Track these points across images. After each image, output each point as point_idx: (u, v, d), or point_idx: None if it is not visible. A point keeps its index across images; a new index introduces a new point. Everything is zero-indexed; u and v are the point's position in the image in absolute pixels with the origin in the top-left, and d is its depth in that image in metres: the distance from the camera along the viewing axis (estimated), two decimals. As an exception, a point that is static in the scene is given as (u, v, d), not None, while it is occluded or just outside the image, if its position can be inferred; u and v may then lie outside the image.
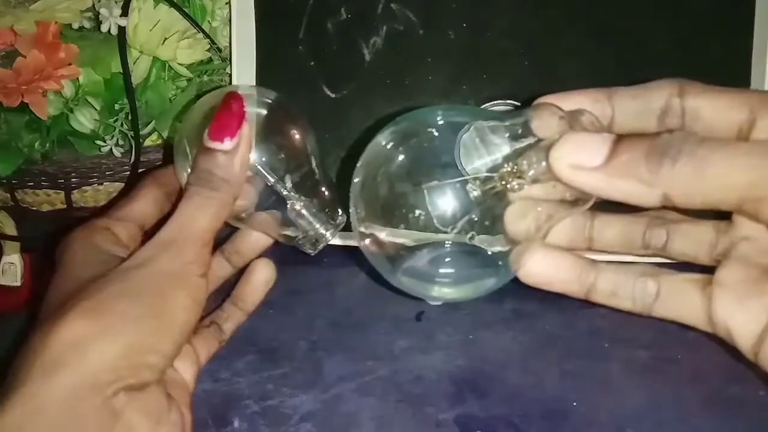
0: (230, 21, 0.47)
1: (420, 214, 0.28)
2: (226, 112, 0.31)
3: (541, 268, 0.29)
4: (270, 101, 0.35)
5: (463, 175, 0.28)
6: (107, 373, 0.26)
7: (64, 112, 0.48)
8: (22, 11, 0.47)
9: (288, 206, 0.34)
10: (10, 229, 0.52)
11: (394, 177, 0.29)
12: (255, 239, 0.37)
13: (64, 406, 0.25)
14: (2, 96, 0.46)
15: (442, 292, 0.30)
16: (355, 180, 0.30)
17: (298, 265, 0.41)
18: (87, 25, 0.48)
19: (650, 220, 0.29)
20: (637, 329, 0.41)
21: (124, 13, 0.46)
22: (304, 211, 0.34)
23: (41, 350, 0.26)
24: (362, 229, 0.30)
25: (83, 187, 0.50)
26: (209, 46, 0.49)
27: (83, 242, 0.31)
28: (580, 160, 0.23)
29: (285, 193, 0.34)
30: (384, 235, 0.29)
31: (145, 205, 0.34)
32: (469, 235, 0.28)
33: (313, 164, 0.35)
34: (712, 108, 0.25)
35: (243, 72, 0.47)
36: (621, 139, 0.23)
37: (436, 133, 0.29)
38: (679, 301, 0.27)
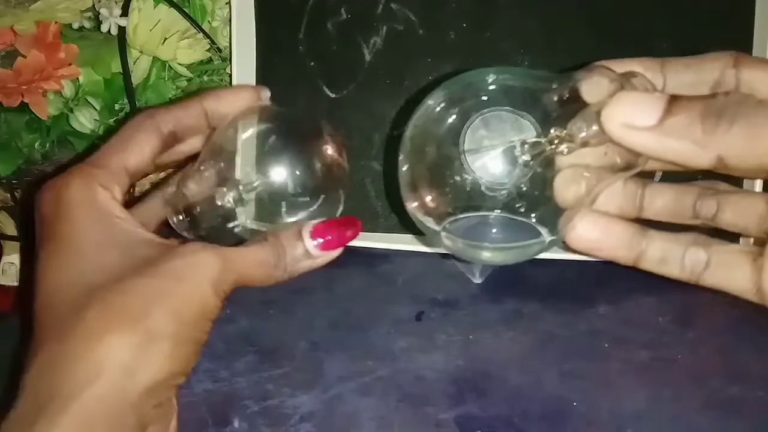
0: (230, 21, 0.47)
1: (467, 177, 0.28)
2: (342, 229, 0.31)
3: (592, 233, 0.28)
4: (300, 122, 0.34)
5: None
6: (147, 396, 0.25)
7: (64, 112, 0.48)
8: (22, 11, 0.47)
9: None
10: (10, 229, 0.52)
11: (442, 140, 0.29)
12: None
13: (107, 423, 0.24)
14: (2, 96, 0.46)
15: (486, 256, 0.30)
16: (404, 140, 0.30)
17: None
18: (87, 25, 0.48)
19: (701, 190, 0.29)
20: (637, 329, 0.41)
21: (124, 13, 0.46)
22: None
23: (84, 359, 0.25)
24: (409, 192, 0.30)
25: (83, 187, 0.50)
26: (209, 46, 0.49)
27: (84, 203, 0.28)
28: (633, 119, 0.23)
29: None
30: (430, 199, 0.30)
31: (141, 156, 0.30)
32: (518, 205, 0.28)
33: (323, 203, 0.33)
34: (767, 80, 0.25)
35: (243, 72, 0.47)
36: (675, 99, 0.23)
37: (485, 98, 0.29)
38: (728, 271, 0.27)
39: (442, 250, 0.46)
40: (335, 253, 0.31)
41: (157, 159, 0.31)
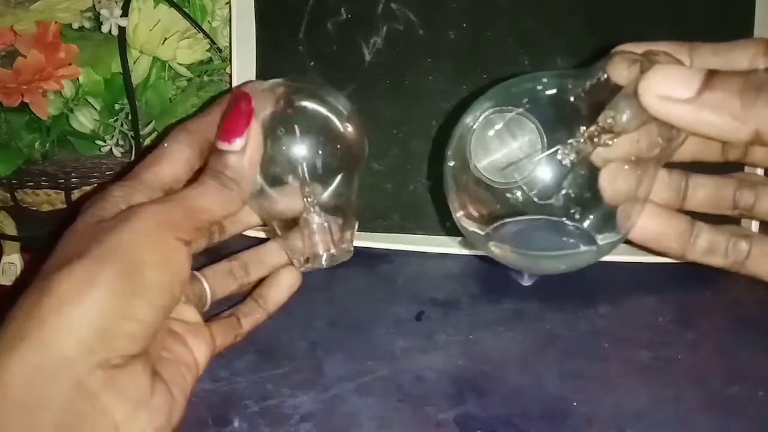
0: (230, 21, 0.47)
1: (515, 191, 0.28)
2: (234, 112, 0.31)
3: (653, 226, 0.29)
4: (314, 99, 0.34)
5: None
6: (76, 348, 0.24)
7: (64, 112, 0.48)
8: (22, 11, 0.47)
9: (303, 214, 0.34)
10: (10, 229, 0.52)
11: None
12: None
13: (30, 386, 0.24)
14: (2, 96, 0.46)
15: (539, 265, 0.31)
16: (450, 147, 0.31)
17: (298, 265, 0.41)
18: (87, 25, 0.48)
19: (739, 181, 0.30)
20: (637, 329, 0.41)
21: (125, 13, 0.46)
22: (314, 226, 0.34)
23: (6, 323, 0.25)
24: (455, 201, 0.30)
25: (83, 187, 0.51)
26: (209, 46, 0.49)
27: (97, 204, 0.29)
28: (671, 91, 0.23)
29: (306, 200, 0.34)
30: (474, 208, 0.30)
31: (175, 167, 0.31)
32: (572, 210, 0.28)
33: (346, 178, 0.35)
34: None
35: (243, 72, 0.47)
36: (714, 73, 0.23)
37: (528, 105, 0.29)
38: None
39: (444, 250, 0.46)
40: (248, 131, 0.30)
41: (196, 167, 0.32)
